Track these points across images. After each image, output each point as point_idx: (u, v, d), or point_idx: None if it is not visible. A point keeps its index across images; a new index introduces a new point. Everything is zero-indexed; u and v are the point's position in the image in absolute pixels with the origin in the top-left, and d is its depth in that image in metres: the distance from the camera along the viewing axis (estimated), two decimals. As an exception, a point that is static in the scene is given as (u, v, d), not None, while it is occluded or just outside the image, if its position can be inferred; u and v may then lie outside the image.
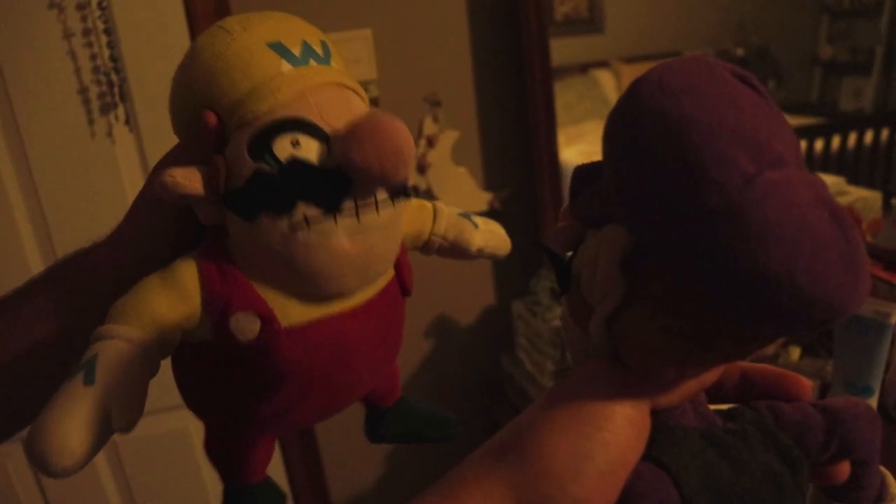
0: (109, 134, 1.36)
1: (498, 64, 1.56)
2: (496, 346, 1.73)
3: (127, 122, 1.35)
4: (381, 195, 0.42)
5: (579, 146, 2.95)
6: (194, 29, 1.35)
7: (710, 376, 0.32)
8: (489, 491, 0.29)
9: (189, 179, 0.40)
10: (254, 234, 0.41)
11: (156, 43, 1.34)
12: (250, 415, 0.47)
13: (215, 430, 0.51)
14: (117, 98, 1.33)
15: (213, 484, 1.62)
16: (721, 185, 0.25)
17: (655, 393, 0.31)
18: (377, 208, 0.41)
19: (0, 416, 0.49)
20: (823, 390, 1.28)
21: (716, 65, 0.28)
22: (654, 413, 0.31)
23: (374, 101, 1.50)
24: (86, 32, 1.29)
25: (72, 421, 0.36)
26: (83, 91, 1.32)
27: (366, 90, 1.49)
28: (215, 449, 0.51)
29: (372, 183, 0.40)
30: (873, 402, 1.23)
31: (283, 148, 0.40)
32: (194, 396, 0.48)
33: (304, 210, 0.40)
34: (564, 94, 3.20)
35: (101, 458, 1.60)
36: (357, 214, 0.41)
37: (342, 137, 0.40)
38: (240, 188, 0.40)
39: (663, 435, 0.31)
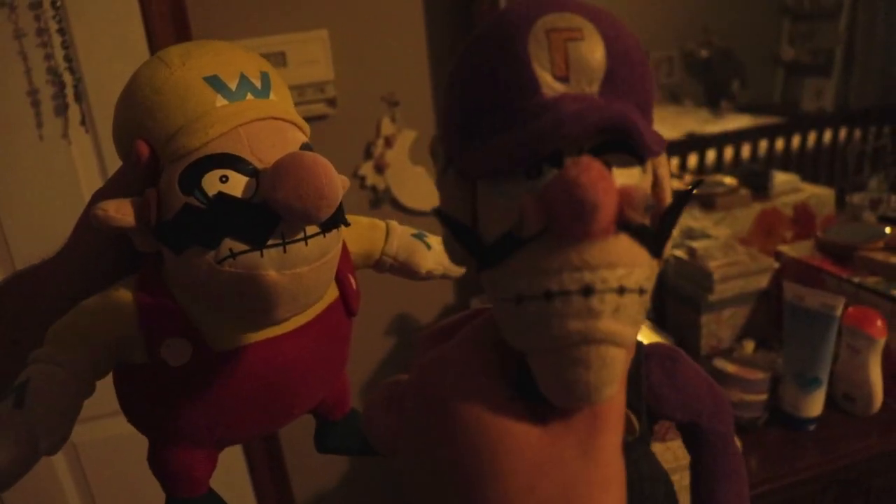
0: (65, 135, 1.35)
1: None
2: (457, 344, 1.73)
3: (83, 122, 1.35)
4: (312, 228, 0.42)
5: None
6: (150, 28, 1.35)
7: None
8: None
9: (120, 212, 0.42)
10: (183, 265, 0.42)
11: (111, 43, 1.34)
12: (186, 432, 0.49)
13: (155, 444, 0.51)
14: (70, 99, 1.32)
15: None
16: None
17: None
18: (306, 241, 0.42)
19: None
20: (774, 383, 1.30)
21: None
22: None
23: (331, 102, 1.50)
24: (39, 32, 1.29)
25: None
26: (33, 93, 1.32)
27: (323, 91, 1.50)
28: (156, 462, 0.52)
29: (295, 220, 0.41)
30: (821, 393, 1.26)
31: (211, 183, 0.41)
32: (133, 412, 0.49)
33: (230, 245, 0.40)
34: (531, 96, 3.22)
35: (61, 461, 1.59)
36: (284, 248, 0.41)
37: (268, 175, 0.41)
38: (169, 221, 0.42)
39: None
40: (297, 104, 0.49)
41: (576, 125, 0.26)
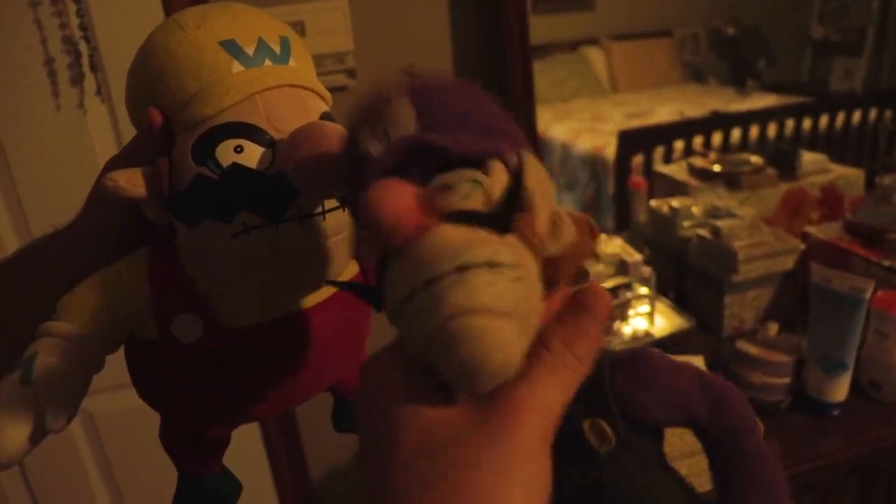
0: (81, 105, 1.35)
1: (476, 39, 1.55)
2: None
3: (98, 92, 1.34)
4: (330, 201, 0.41)
5: (568, 123, 2.93)
6: (165, -4, 1.34)
7: None
8: None
9: (131, 182, 0.40)
10: (195, 239, 0.40)
11: (126, 11, 1.33)
12: (197, 410, 0.47)
13: (166, 420, 0.50)
14: (86, 69, 1.31)
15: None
16: None
17: None
18: (324, 215, 0.40)
19: None
20: (799, 366, 1.28)
21: None
22: None
23: (350, 73, 1.48)
24: (53, 1, 1.27)
25: (5, 417, 0.36)
26: (49, 62, 1.31)
27: (342, 61, 1.48)
28: (167, 439, 0.51)
29: (311, 191, 0.39)
30: (847, 378, 1.23)
31: (225, 153, 0.39)
32: (144, 388, 0.47)
33: (244, 218, 0.39)
34: (554, 71, 3.19)
35: (78, 431, 1.61)
36: (301, 221, 0.39)
37: (284, 145, 0.39)
38: (182, 193, 0.40)
39: None
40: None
41: (385, 157, 0.29)
